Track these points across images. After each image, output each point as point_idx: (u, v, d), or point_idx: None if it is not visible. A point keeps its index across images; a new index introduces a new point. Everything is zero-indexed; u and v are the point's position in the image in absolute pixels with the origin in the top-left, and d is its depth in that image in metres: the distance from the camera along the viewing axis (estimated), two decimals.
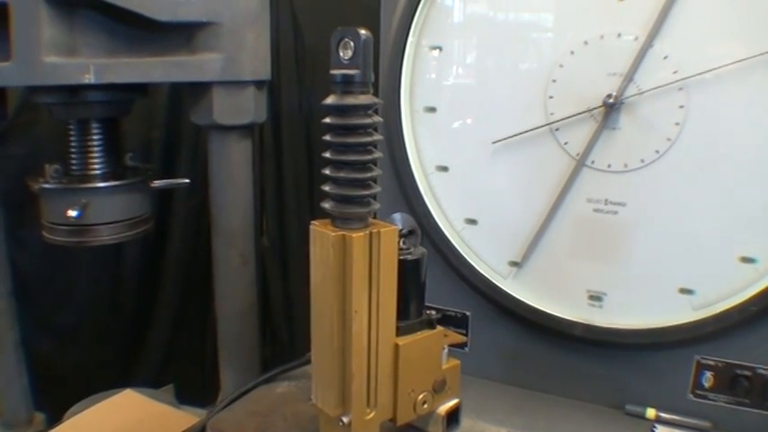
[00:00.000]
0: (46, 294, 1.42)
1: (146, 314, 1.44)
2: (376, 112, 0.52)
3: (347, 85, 0.51)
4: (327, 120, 0.52)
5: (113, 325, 1.46)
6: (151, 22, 0.87)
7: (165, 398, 1.12)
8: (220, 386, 1.08)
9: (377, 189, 0.53)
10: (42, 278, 1.41)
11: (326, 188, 0.53)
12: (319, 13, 1.20)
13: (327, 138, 0.52)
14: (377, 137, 0.52)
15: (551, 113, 0.72)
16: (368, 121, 0.51)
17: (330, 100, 0.51)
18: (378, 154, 0.52)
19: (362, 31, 0.49)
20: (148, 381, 1.38)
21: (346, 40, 0.50)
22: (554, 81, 0.72)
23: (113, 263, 1.43)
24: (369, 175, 0.52)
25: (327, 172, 0.52)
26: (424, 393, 0.59)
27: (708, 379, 0.70)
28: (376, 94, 0.51)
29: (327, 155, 0.52)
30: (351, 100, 0.51)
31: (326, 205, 0.53)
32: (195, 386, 1.34)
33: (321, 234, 0.53)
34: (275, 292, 1.37)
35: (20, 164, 1.30)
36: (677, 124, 0.67)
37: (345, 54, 0.50)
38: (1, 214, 1.14)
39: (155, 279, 1.43)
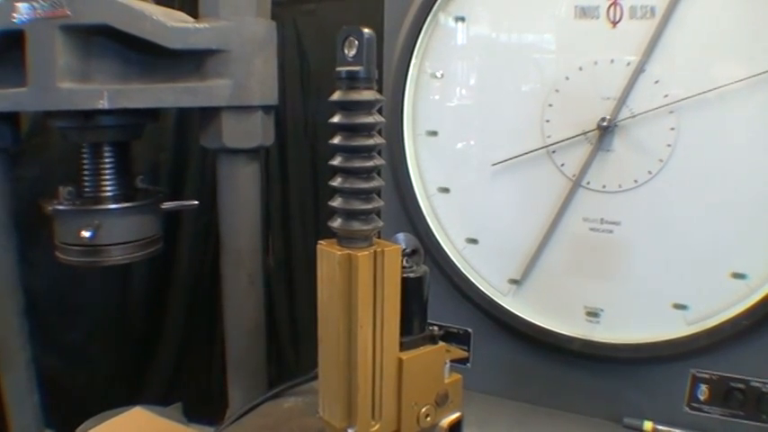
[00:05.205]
0: (56, 313, 1.43)
1: (154, 333, 1.46)
2: (380, 112, 0.54)
3: (352, 80, 0.52)
4: (334, 119, 0.53)
5: (122, 343, 1.47)
6: (163, 49, 0.89)
7: (173, 415, 1.13)
8: (228, 404, 1.10)
9: (380, 203, 0.55)
10: (52, 297, 1.42)
11: (334, 204, 0.55)
12: (323, 41, 1.24)
13: (334, 141, 0.54)
14: (379, 140, 0.54)
15: (548, 136, 0.75)
16: (370, 120, 0.53)
17: (335, 96, 0.53)
18: (380, 161, 0.54)
19: (366, 30, 0.51)
20: (157, 398, 1.39)
21: (351, 38, 0.51)
22: (550, 105, 0.74)
23: (122, 282, 1.44)
24: (372, 185, 0.54)
25: (335, 184, 0.54)
26: (428, 407, 0.61)
27: (703, 392, 0.71)
28: (380, 91, 0.53)
29: (334, 162, 0.54)
30: (355, 95, 0.52)
31: (333, 224, 0.55)
32: (203, 404, 1.35)
33: (328, 253, 0.55)
34: (281, 312, 1.38)
35: (31, 185, 1.32)
36: (669, 146, 0.69)
37: (350, 52, 0.51)
38: (14, 235, 1.16)
39: (163, 298, 1.44)
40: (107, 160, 1.02)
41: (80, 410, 1.13)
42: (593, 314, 0.75)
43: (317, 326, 0.57)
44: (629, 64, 0.70)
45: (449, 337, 0.82)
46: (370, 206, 0.54)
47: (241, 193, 1.02)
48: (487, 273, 0.81)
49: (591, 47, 0.72)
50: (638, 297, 0.73)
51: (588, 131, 0.72)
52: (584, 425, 0.76)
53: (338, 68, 0.52)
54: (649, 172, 0.70)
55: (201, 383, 1.45)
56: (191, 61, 0.93)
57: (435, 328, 0.61)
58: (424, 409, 0.60)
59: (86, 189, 1.03)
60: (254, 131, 0.98)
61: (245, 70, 0.94)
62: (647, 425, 0.73)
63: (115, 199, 1.03)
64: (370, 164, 0.53)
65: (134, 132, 1.05)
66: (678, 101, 0.68)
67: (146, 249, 1.04)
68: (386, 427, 0.59)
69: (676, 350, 0.71)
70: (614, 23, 0.71)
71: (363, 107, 0.52)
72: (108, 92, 0.89)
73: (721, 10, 0.66)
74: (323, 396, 0.59)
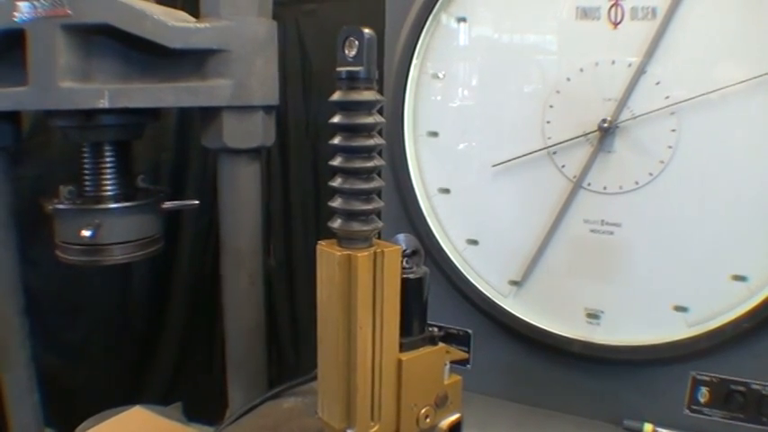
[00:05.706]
0: (56, 312, 1.43)
1: (154, 332, 1.46)
2: (380, 112, 0.54)
3: (352, 81, 0.52)
4: (334, 119, 0.53)
5: (122, 342, 1.47)
6: (164, 49, 0.89)
7: (173, 415, 1.13)
8: (228, 404, 1.10)
9: (380, 204, 0.55)
10: (52, 296, 1.42)
11: (334, 204, 0.55)
12: (325, 40, 1.23)
13: (334, 141, 0.53)
14: (379, 141, 0.54)
15: (549, 137, 0.74)
16: (371, 120, 0.53)
17: (336, 97, 0.53)
18: (381, 162, 0.54)
19: (366, 30, 0.50)
20: (157, 398, 1.39)
21: (351, 38, 0.51)
22: (551, 106, 0.74)
23: (123, 282, 1.44)
24: (372, 185, 0.54)
25: (335, 184, 0.54)
26: (427, 408, 0.60)
27: (703, 394, 0.71)
28: (380, 92, 0.53)
29: (334, 162, 0.54)
30: (355, 96, 0.52)
31: (333, 225, 0.55)
32: (203, 404, 1.35)
33: (327, 254, 0.55)
34: (281, 312, 1.38)
35: (32, 184, 1.32)
36: (670, 147, 0.69)
37: (350, 52, 0.51)
38: (14, 234, 1.16)
39: (163, 298, 1.44)
40: (108, 159, 1.02)
41: (80, 409, 1.13)
42: (593, 316, 0.75)
43: (317, 326, 0.57)
44: (630, 65, 0.70)
45: (449, 338, 0.82)
46: (370, 207, 0.54)
47: (242, 193, 1.02)
48: (488, 274, 0.80)
49: (592, 48, 0.72)
50: (639, 299, 0.73)
51: (589, 133, 0.72)
52: (584, 427, 0.76)
53: (338, 69, 0.52)
54: (650, 173, 0.70)
55: (201, 383, 1.45)
56: (192, 61, 0.93)
57: (435, 329, 0.61)
58: (423, 411, 0.60)
59: (87, 188, 1.03)
60: (255, 131, 0.98)
61: (246, 70, 0.94)
62: (648, 427, 0.72)
63: (116, 198, 1.03)
64: (370, 164, 0.53)
65: (135, 132, 1.05)
66: (679, 102, 0.68)
67: (146, 249, 1.04)
68: (385, 428, 0.58)
69: (677, 352, 0.70)
70: (615, 24, 0.70)
71: (364, 107, 0.52)
72: (109, 91, 0.89)
73: (723, 11, 0.66)
74: (322, 397, 0.59)
